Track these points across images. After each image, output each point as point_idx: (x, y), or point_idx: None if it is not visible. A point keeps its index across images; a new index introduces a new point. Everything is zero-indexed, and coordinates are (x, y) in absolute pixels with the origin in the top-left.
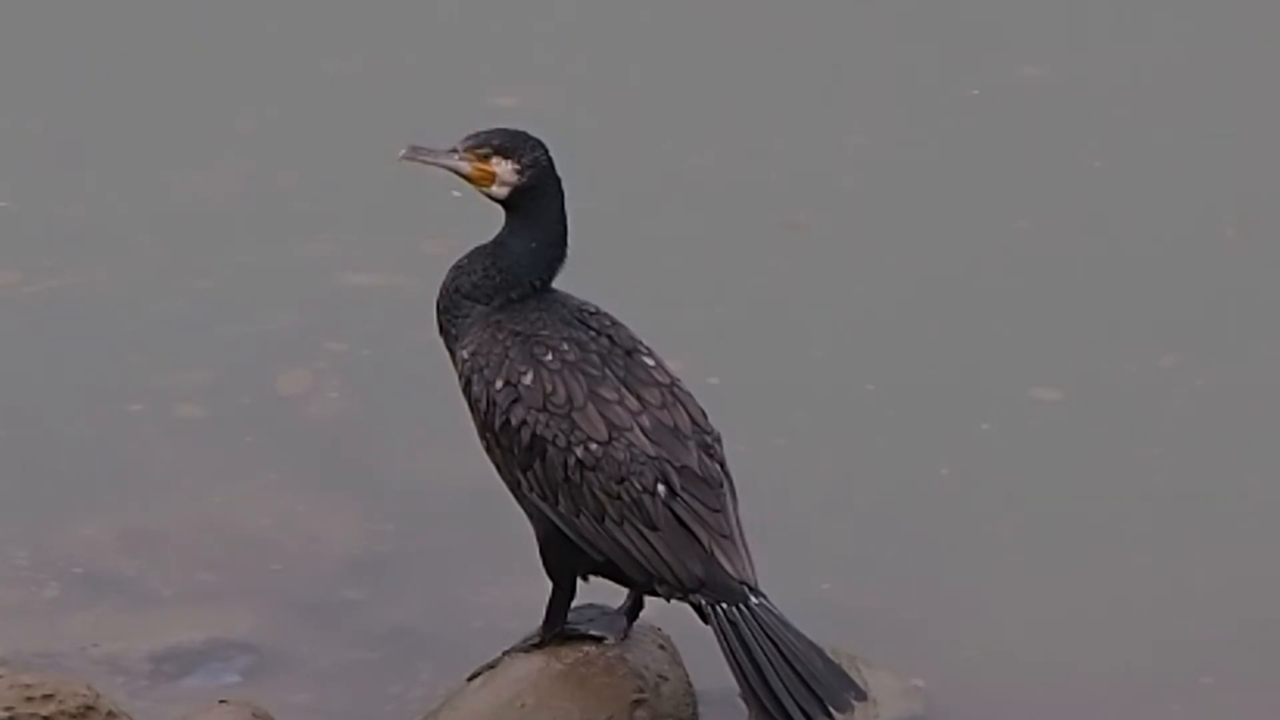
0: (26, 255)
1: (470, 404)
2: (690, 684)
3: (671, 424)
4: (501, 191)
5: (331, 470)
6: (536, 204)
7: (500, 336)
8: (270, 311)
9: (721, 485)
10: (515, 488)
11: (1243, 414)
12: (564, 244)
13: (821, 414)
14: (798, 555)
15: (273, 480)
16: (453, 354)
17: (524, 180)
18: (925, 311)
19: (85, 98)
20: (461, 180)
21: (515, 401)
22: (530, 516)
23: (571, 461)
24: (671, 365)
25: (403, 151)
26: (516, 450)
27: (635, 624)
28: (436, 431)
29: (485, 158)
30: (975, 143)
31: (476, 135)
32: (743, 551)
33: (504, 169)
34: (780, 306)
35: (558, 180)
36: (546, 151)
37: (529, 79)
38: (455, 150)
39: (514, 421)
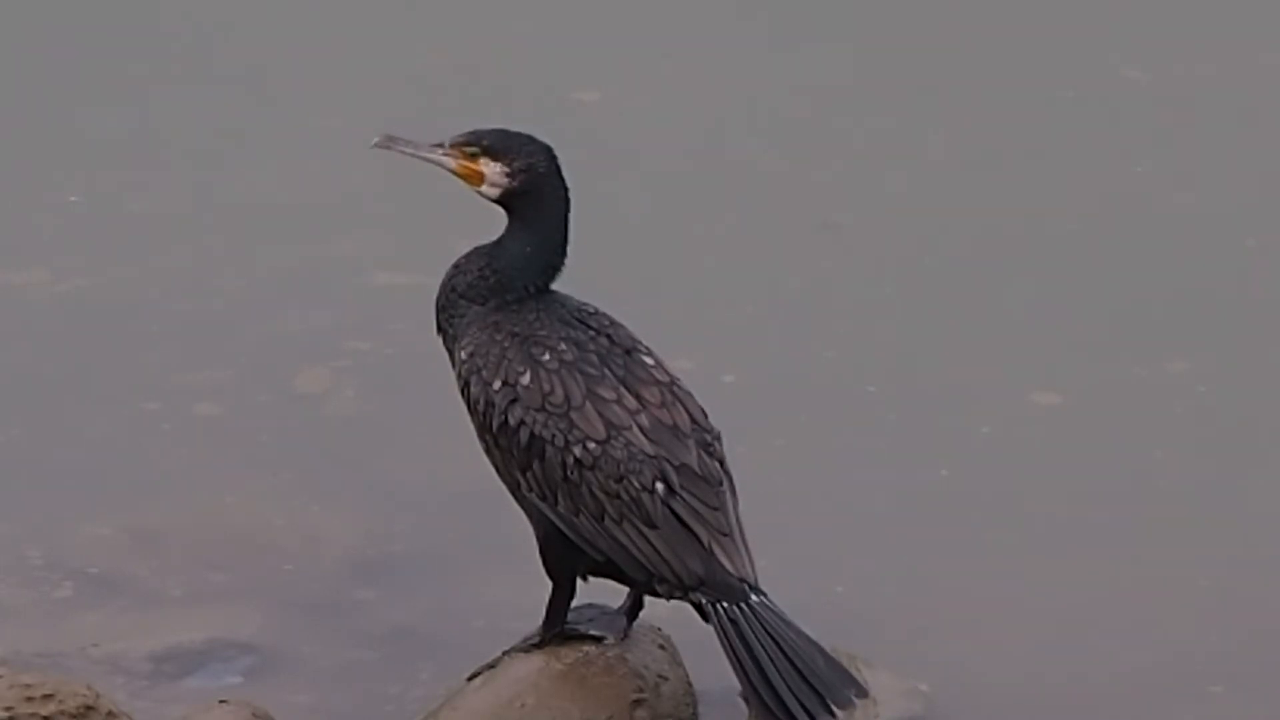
0: (57, 253)
1: (469, 405)
2: (690, 684)
3: (671, 422)
4: (492, 193)
5: (340, 470)
6: (533, 209)
7: (498, 338)
8: (297, 311)
9: (721, 483)
10: (515, 489)
11: (1247, 418)
12: (562, 251)
13: (823, 415)
14: (797, 556)
15: (285, 480)
16: (451, 354)
17: (515, 184)
18: (936, 313)
19: (145, 96)
20: (456, 179)
21: (513, 402)
22: (530, 517)
23: (570, 461)
24: (687, 362)
25: (376, 139)
26: (515, 451)
27: (635, 624)
28: (447, 431)
29: (473, 156)
30: (1035, 145)
31: (471, 133)
32: (743, 549)
33: (493, 170)
34: (805, 306)
35: (562, 187)
36: (549, 157)
37: (610, 75)
38: (441, 145)
39: (512, 422)
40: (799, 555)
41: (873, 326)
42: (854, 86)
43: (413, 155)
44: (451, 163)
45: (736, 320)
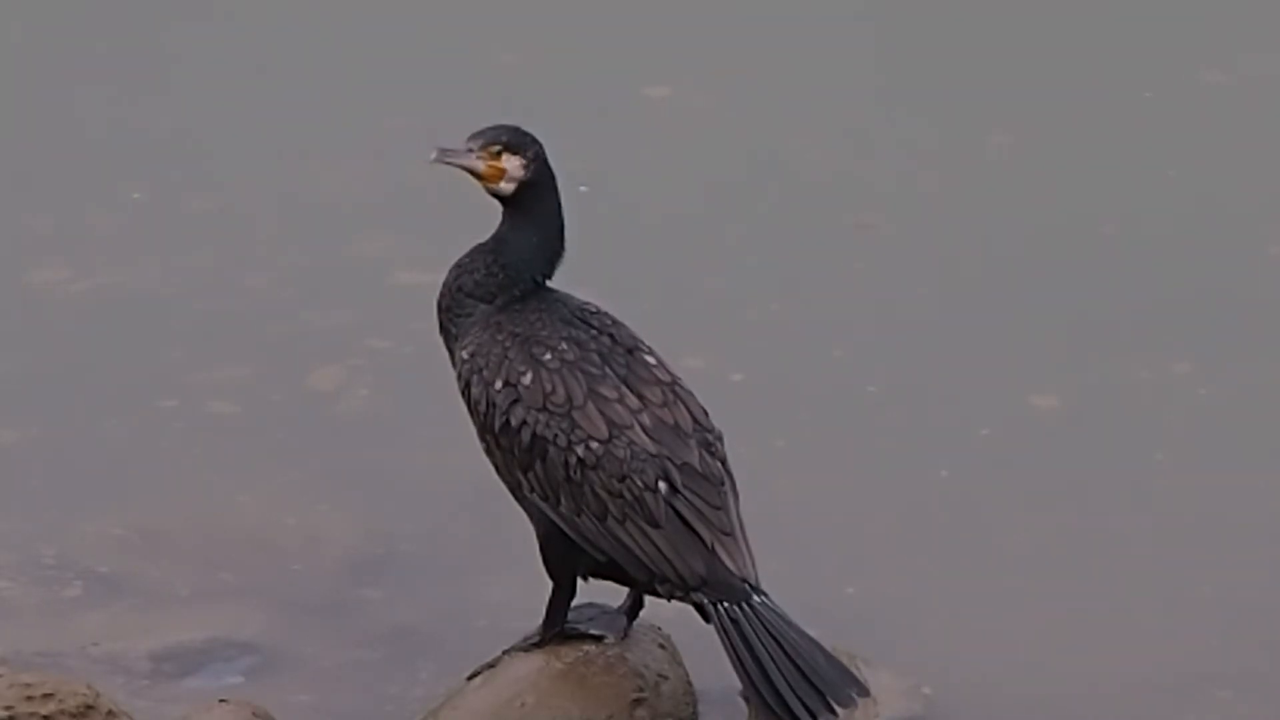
0: (80, 252)
1: (470, 406)
2: (690, 683)
3: (672, 422)
4: (508, 188)
5: (346, 469)
6: (538, 199)
7: (499, 338)
8: (318, 309)
9: (723, 483)
10: (516, 489)
11: (1250, 421)
12: (562, 238)
13: (824, 415)
14: (797, 556)
15: (294, 479)
16: (452, 354)
17: (529, 175)
18: (942, 313)
19: (178, 96)
20: (470, 178)
21: (515, 402)
22: (531, 517)
23: (572, 461)
24: (698, 360)
25: (433, 155)
26: (517, 451)
27: (635, 623)
28: (456, 430)
29: (497, 155)
30: (1070, 151)
31: (484, 133)
32: (744, 549)
33: (513, 165)
34: (825, 306)
35: (553, 175)
36: (542, 146)
37: (682, 72)
38: (471, 149)
39: (514, 422)
40: (799, 555)
41: (882, 327)
42: (918, 88)
43: (457, 165)
44: (481, 165)
45: (756, 319)
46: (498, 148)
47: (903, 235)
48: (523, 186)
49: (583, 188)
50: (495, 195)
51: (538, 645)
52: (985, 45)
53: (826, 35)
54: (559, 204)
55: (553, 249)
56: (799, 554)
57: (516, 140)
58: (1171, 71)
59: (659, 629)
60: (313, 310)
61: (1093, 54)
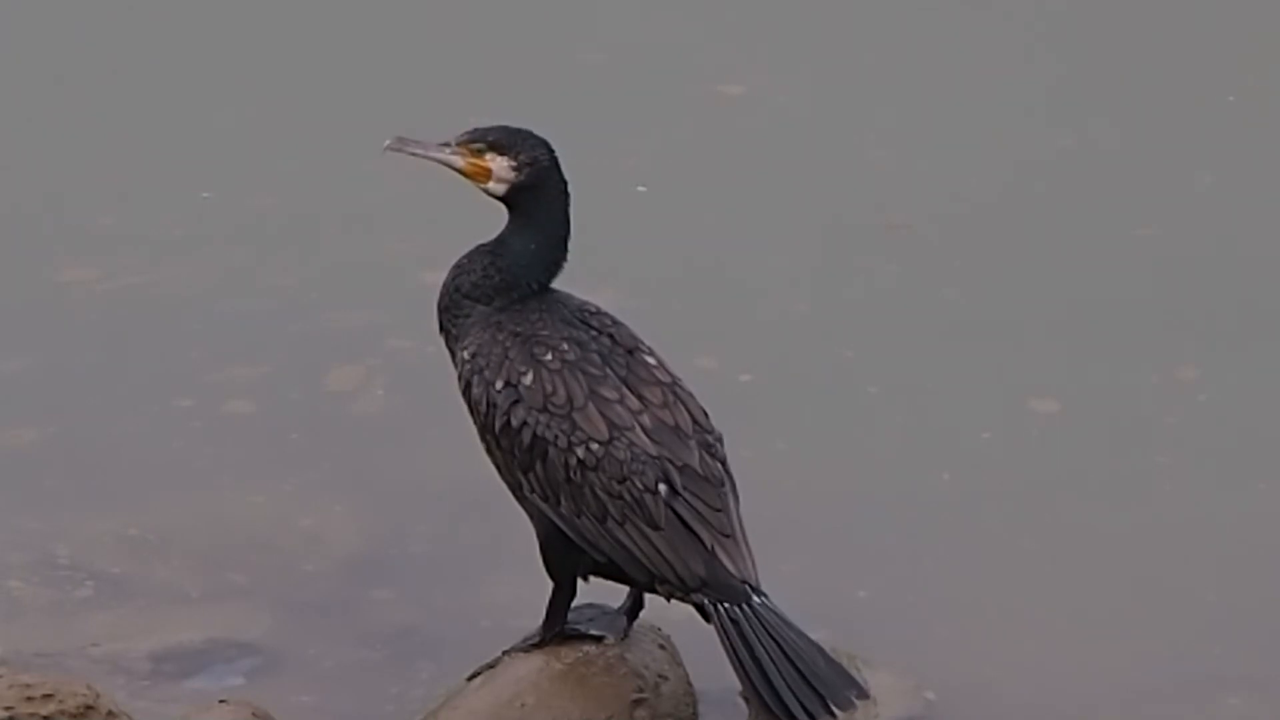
0: (109, 253)
1: (470, 406)
2: (690, 684)
3: (673, 423)
4: (499, 189)
5: (353, 469)
6: (537, 204)
7: (500, 338)
8: (340, 309)
9: (723, 484)
10: (516, 489)
11: (1253, 424)
12: (564, 246)
13: (826, 417)
14: (799, 558)
15: (307, 479)
16: (453, 355)
17: (521, 178)
18: (951, 318)
19: (213, 96)
20: (461, 178)
21: (516, 403)
22: (531, 517)
23: (573, 462)
24: (710, 360)
25: (388, 142)
26: (517, 452)
27: (635, 624)
28: (468, 430)
29: (479, 153)
30: (1149, 153)
31: (474, 130)
32: (745, 550)
33: (500, 165)
34: (849, 308)
35: (562, 181)
36: (550, 151)
37: (759, 70)
38: (448, 144)
39: (514, 423)
40: (800, 557)
41: (892, 329)
42: (989, 90)
43: (423, 156)
44: (460, 161)
45: (774, 319)
46: (480, 145)
47: (935, 238)
48: (517, 189)
49: (641, 187)
50: (490, 195)
51: (538, 646)
52: (1056, 49)
53: (901, 37)
54: (565, 212)
55: (552, 257)
56: (800, 556)
57: (507, 141)
58: (1255, 76)
59: (659, 629)
60: (335, 310)
61: (1174, 56)
